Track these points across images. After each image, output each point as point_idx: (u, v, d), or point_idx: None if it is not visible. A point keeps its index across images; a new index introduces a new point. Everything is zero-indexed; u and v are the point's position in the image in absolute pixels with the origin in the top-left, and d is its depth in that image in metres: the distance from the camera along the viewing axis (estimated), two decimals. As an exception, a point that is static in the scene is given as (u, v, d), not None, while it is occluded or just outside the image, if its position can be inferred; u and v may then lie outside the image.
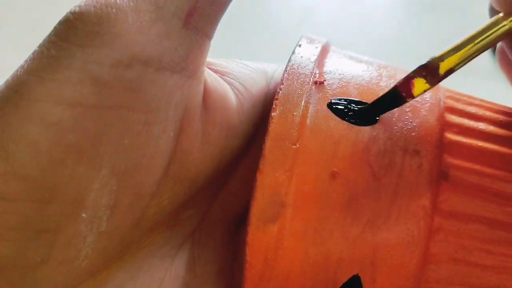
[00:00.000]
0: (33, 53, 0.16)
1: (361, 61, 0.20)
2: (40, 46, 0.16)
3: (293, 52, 0.19)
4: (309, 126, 0.17)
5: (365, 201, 0.17)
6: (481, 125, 0.18)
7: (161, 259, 0.19)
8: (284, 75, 0.18)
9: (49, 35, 0.16)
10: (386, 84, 0.19)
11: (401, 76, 0.19)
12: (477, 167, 0.17)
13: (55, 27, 0.16)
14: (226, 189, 0.20)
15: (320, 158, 0.17)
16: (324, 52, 0.20)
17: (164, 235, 0.19)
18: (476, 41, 0.17)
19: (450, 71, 0.17)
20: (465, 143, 0.18)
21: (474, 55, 0.17)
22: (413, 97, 0.17)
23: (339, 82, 0.18)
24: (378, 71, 0.20)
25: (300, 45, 0.19)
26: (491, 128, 0.18)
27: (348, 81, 0.19)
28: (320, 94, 0.18)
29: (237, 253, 0.20)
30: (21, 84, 0.15)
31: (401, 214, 0.17)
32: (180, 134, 0.17)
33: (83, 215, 0.16)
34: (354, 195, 0.17)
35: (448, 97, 0.19)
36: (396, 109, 0.18)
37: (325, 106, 0.18)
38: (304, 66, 0.19)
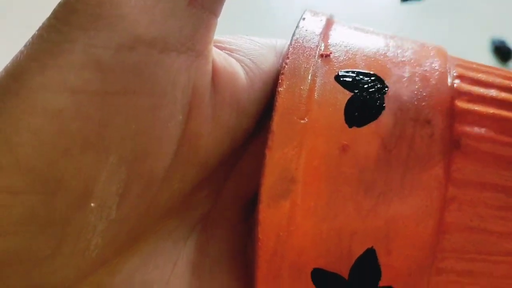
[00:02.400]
0: (32, 37, 0.15)
1: (367, 32, 0.20)
2: (39, 30, 0.15)
3: (297, 26, 0.19)
4: (317, 100, 0.17)
5: (376, 173, 0.16)
6: (492, 92, 0.18)
7: (173, 243, 0.18)
8: (289, 49, 0.18)
9: (49, 18, 0.15)
10: (394, 55, 0.18)
11: (408, 45, 0.19)
12: (490, 134, 0.17)
13: (54, 10, 0.15)
14: (238, 169, 0.20)
15: (329, 132, 0.17)
16: (328, 24, 0.19)
17: (176, 219, 0.19)
18: None
19: None
20: (477, 110, 0.17)
21: None
22: None
23: (345, 54, 0.18)
24: (385, 41, 0.19)
25: (304, 19, 0.19)
26: (502, 94, 0.18)
27: (355, 52, 0.18)
28: (327, 67, 0.18)
29: (251, 231, 0.20)
30: (21, 71, 0.15)
31: (414, 185, 0.16)
32: (189, 117, 0.17)
33: (92, 205, 0.15)
34: (365, 168, 0.16)
35: (457, 65, 0.19)
36: (405, 79, 0.18)
37: (332, 79, 0.17)
38: (309, 40, 0.18)
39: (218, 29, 0.18)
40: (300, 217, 0.16)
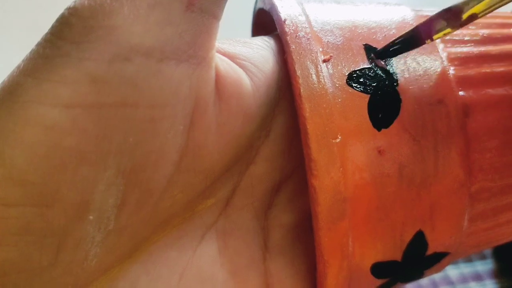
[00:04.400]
0: (30, 53, 0.15)
1: (343, 12, 0.19)
2: (37, 45, 0.15)
3: (285, 33, 0.18)
4: (341, 113, 0.17)
5: (413, 166, 0.17)
6: (474, 48, 0.19)
7: (179, 252, 0.18)
8: (295, 66, 0.17)
9: (46, 34, 0.15)
10: (383, 36, 0.18)
11: (385, 21, 0.19)
12: (490, 93, 0.18)
13: (51, 25, 0.15)
14: (248, 174, 0.19)
15: (363, 142, 0.17)
16: (305, 15, 0.19)
17: (180, 227, 0.18)
18: None
19: (473, 17, 0.16)
20: (470, 74, 0.18)
21: (500, 3, 0.16)
22: (431, 39, 0.17)
23: (343, 52, 0.18)
24: (364, 20, 0.19)
25: (285, 21, 0.18)
26: (483, 48, 0.19)
27: (350, 45, 0.18)
28: (333, 71, 0.17)
29: (268, 241, 0.19)
30: (15, 85, 0.14)
31: (446, 165, 0.17)
32: (192, 127, 0.16)
33: (90, 217, 0.15)
34: (403, 164, 0.17)
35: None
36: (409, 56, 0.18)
37: (344, 84, 0.17)
38: (306, 46, 0.17)
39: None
40: (357, 229, 0.17)
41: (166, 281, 0.17)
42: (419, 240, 0.18)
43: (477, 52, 0.19)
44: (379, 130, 0.17)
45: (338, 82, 0.17)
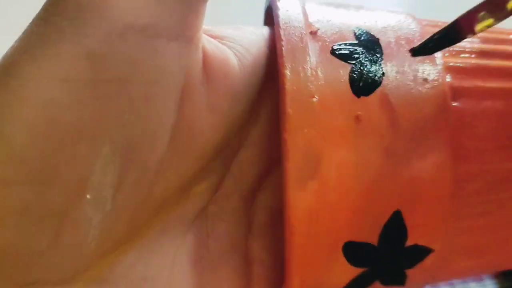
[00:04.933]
0: (23, 33, 0.15)
1: (338, 7, 0.20)
2: (30, 25, 0.15)
3: (277, 8, 0.18)
4: (321, 77, 0.17)
5: (393, 137, 0.17)
6: (466, 44, 0.19)
7: (172, 237, 0.18)
8: (280, 31, 0.18)
9: (39, 12, 0.15)
10: (373, 23, 0.19)
11: (380, 13, 0.20)
12: (479, 83, 0.18)
13: (44, 3, 0.15)
14: (238, 159, 0.19)
15: (341, 105, 0.17)
16: (302, 3, 0.19)
17: (175, 212, 0.18)
18: None
19: None
20: (460, 63, 0.18)
21: None
22: (474, 33, 0.16)
23: (331, 29, 0.18)
24: (358, 12, 0.20)
25: (279, 0, 0.19)
26: (476, 45, 0.19)
27: (339, 26, 0.18)
28: (320, 43, 0.18)
29: (252, 223, 0.19)
30: (11, 64, 0.14)
31: (428, 142, 0.17)
32: (182, 106, 0.17)
33: (88, 196, 0.15)
34: (382, 134, 0.17)
35: (427, 25, 0.20)
36: (392, 44, 0.18)
37: (329, 54, 0.17)
38: (295, 19, 0.18)
39: (207, 20, 0.17)
40: (328, 193, 0.16)
41: (160, 265, 0.18)
42: (396, 221, 0.17)
43: (469, 47, 0.19)
44: (358, 96, 0.17)
45: (322, 52, 0.17)
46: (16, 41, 0.15)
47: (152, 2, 0.15)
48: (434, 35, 0.17)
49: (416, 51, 0.18)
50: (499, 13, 0.16)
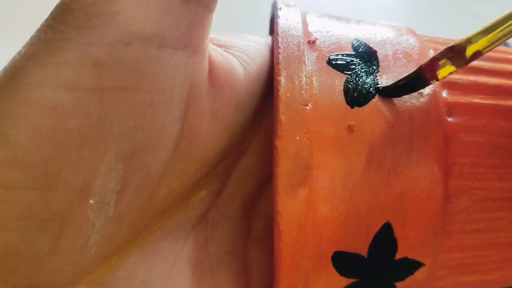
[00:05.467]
0: (30, 38, 0.15)
1: (339, 19, 0.20)
2: (37, 31, 0.15)
3: (278, 16, 0.19)
4: (316, 86, 0.17)
5: (385, 149, 0.17)
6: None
7: (172, 242, 0.18)
8: (278, 38, 0.18)
9: (46, 19, 0.15)
10: (372, 36, 0.19)
11: (380, 27, 0.20)
12: (474, 100, 0.18)
13: (51, 11, 0.15)
14: (239, 166, 0.19)
15: (334, 115, 0.17)
16: (304, 13, 0.20)
17: (176, 217, 0.19)
18: (506, 25, 0.16)
19: (477, 54, 0.16)
20: (458, 79, 0.18)
21: (503, 38, 0.16)
22: (437, 79, 0.17)
23: (329, 39, 0.18)
24: (359, 25, 0.20)
25: (280, 8, 0.19)
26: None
27: (338, 37, 0.19)
28: (317, 52, 0.18)
29: (251, 230, 0.20)
30: (18, 69, 0.15)
31: (419, 155, 0.17)
32: (187, 114, 0.17)
33: (91, 201, 0.15)
34: (373, 145, 0.17)
35: (427, 41, 0.20)
36: (390, 56, 0.18)
37: (325, 64, 0.18)
38: (294, 28, 0.18)
39: (216, 32, 0.17)
40: (318, 202, 0.16)
41: (160, 270, 0.18)
42: (386, 233, 0.17)
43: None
44: (352, 107, 0.17)
45: (318, 61, 0.18)
46: (23, 47, 0.15)
47: (159, 12, 0.15)
48: (399, 80, 0.17)
49: (382, 92, 0.17)
50: (458, 61, 0.16)
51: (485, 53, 0.16)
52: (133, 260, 0.17)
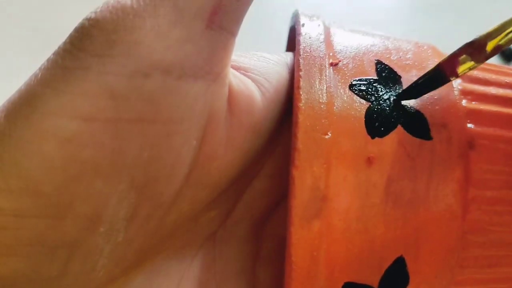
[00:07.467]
0: (47, 61, 0.14)
1: (364, 34, 0.19)
2: (54, 54, 0.14)
3: (300, 34, 0.18)
4: (337, 113, 0.16)
5: (403, 182, 0.16)
6: (492, 90, 0.18)
7: (179, 261, 0.18)
8: (299, 60, 0.17)
9: (64, 43, 0.14)
10: (397, 58, 0.18)
11: (406, 46, 0.19)
12: (497, 132, 0.17)
13: (70, 35, 0.14)
14: (251, 188, 0.19)
15: (353, 145, 0.16)
16: (327, 29, 0.19)
17: (183, 238, 0.18)
18: None
19: (498, 48, 0.16)
20: (483, 109, 0.18)
21: None
22: (457, 76, 0.16)
23: (353, 61, 0.18)
24: (384, 43, 0.19)
25: (303, 25, 0.18)
26: (501, 91, 0.18)
27: (361, 58, 0.18)
28: (339, 76, 0.17)
29: (261, 250, 0.19)
30: (34, 96, 0.14)
31: (439, 190, 0.16)
32: (203, 141, 0.16)
33: (101, 229, 0.15)
34: (392, 178, 0.16)
35: None
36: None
37: (347, 89, 0.17)
38: (316, 48, 0.18)
39: None
40: (332, 234, 0.16)
41: None
42: (399, 267, 0.17)
43: (494, 93, 0.18)
44: (372, 137, 0.16)
45: (340, 85, 0.17)
46: (39, 70, 0.15)
47: (180, 41, 0.15)
48: (418, 79, 0.17)
49: (401, 96, 0.17)
50: (479, 56, 0.16)
51: (505, 46, 0.16)
52: (139, 280, 0.17)
